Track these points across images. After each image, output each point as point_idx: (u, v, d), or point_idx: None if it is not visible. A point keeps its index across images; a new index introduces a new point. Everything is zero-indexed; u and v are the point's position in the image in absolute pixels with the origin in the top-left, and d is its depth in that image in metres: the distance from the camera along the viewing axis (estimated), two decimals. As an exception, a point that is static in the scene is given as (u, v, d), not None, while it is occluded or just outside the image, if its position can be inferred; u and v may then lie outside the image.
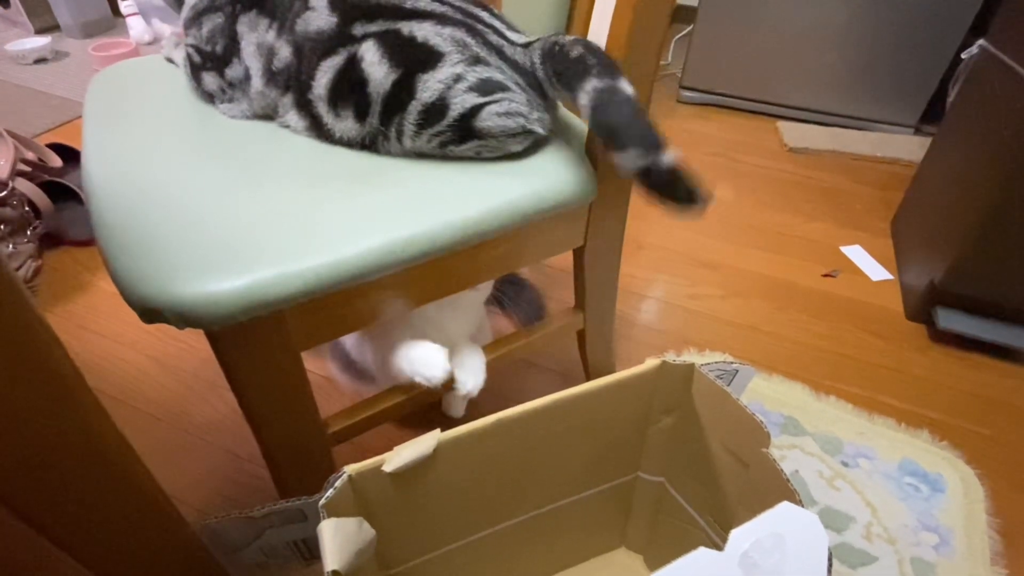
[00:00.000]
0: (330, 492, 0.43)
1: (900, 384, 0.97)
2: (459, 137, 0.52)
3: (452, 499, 0.52)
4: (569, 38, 0.52)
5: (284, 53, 0.54)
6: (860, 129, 1.71)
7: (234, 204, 0.47)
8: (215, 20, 0.58)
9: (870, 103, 1.68)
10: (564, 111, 0.68)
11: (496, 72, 0.51)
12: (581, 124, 0.65)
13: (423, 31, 0.50)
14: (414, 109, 0.51)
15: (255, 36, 0.56)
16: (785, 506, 0.37)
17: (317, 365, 0.95)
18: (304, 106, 0.55)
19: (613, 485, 0.63)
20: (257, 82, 0.57)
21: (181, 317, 0.41)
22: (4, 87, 1.73)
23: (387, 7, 0.52)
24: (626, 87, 0.48)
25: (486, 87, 0.51)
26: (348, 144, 0.55)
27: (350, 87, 0.52)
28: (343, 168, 0.53)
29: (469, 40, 0.51)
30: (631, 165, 0.46)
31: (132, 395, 0.93)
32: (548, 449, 0.54)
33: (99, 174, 0.51)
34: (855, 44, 1.60)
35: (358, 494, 0.45)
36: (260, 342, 0.46)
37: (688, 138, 1.69)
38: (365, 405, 0.63)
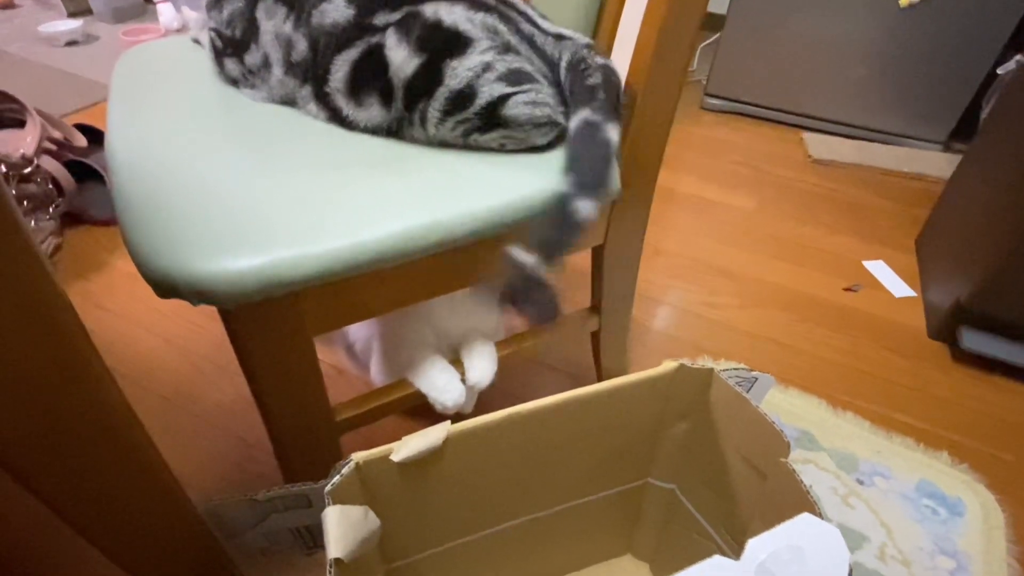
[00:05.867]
0: (336, 478, 0.42)
1: (920, 403, 0.95)
2: (485, 125, 0.51)
3: (458, 494, 0.51)
4: (598, 59, 0.52)
5: (301, 47, 0.54)
6: (887, 143, 1.68)
7: (255, 184, 0.47)
8: (235, 4, 0.58)
9: (898, 117, 1.65)
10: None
11: (526, 63, 0.51)
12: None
13: (452, 16, 0.49)
14: (441, 95, 0.50)
15: (272, 24, 0.55)
16: (805, 517, 0.35)
17: (326, 354, 0.94)
18: (322, 98, 0.55)
19: (622, 490, 0.61)
20: (277, 71, 0.57)
21: (197, 293, 0.40)
22: (36, 67, 1.75)
23: None
24: (611, 133, 0.50)
25: (515, 77, 0.50)
26: (373, 131, 0.55)
27: (372, 74, 0.51)
28: (364, 154, 0.52)
29: (501, 27, 0.50)
30: (567, 190, 0.49)
31: (144, 376, 0.93)
32: (558, 449, 0.53)
33: (123, 150, 0.51)
34: (885, 57, 1.58)
35: (364, 482, 0.44)
36: (274, 323, 0.46)
37: (712, 146, 1.67)
38: (374, 395, 0.62)
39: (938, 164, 1.59)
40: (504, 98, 0.50)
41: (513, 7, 0.53)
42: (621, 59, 0.56)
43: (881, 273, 1.22)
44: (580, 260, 0.70)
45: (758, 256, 1.25)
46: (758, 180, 1.52)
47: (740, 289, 1.16)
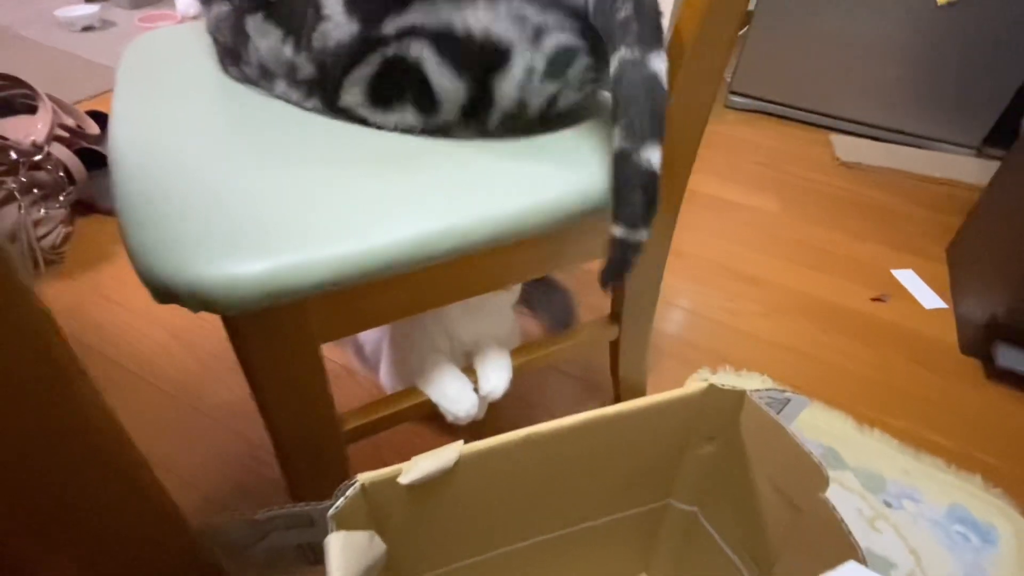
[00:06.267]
0: (340, 501, 0.39)
1: (951, 422, 0.91)
2: (541, 123, 0.51)
3: (469, 515, 0.48)
4: None
5: (307, 70, 0.50)
6: (917, 147, 1.63)
7: (262, 183, 0.44)
8: (221, 7, 0.54)
9: (930, 120, 1.60)
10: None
11: (558, 34, 0.46)
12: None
13: (479, 22, 0.45)
14: (496, 114, 0.49)
15: (266, 44, 0.51)
16: (852, 567, 0.32)
17: (337, 354, 0.92)
18: (335, 110, 0.51)
19: (641, 511, 0.58)
20: (280, 84, 0.53)
21: (197, 299, 0.38)
22: (51, 52, 1.74)
23: None
24: (655, 63, 0.43)
25: (556, 66, 0.47)
26: (403, 132, 0.52)
27: (398, 86, 0.48)
28: (378, 150, 0.49)
29: (527, 9, 0.45)
30: (623, 145, 0.44)
31: (150, 370, 0.91)
32: (576, 469, 0.50)
33: (125, 144, 0.48)
34: (919, 57, 1.52)
35: (370, 505, 0.42)
36: (278, 331, 0.43)
37: (735, 145, 1.62)
38: (383, 403, 0.59)
39: (971, 170, 1.53)
40: (553, 98, 0.49)
41: None
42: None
43: (910, 283, 1.17)
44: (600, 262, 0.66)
45: (781, 261, 1.21)
46: (783, 182, 1.48)
47: (763, 295, 1.12)
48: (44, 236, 1.05)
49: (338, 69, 0.48)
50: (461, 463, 0.44)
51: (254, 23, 0.50)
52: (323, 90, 0.50)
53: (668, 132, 0.53)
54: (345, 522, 0.40)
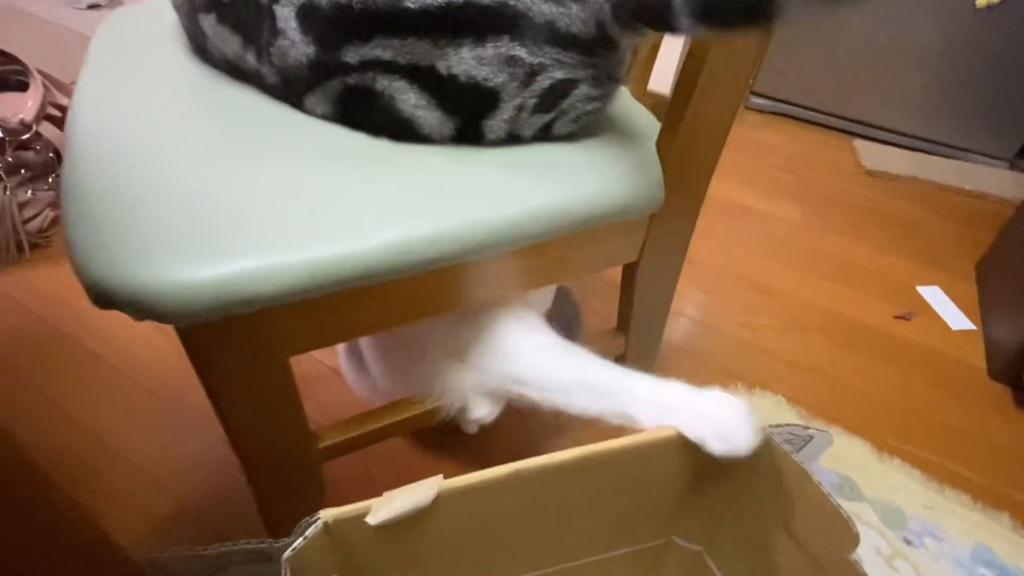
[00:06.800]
0: (299, 542, 0.35)
1: (978, 453, 0.85)
2: (544, 138, 0.47)
3: (449, 556, 0.43)
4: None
5: (272, 79, 0.45)
6: (947, 157, 1.55)
7: (226, 178, 0.39)
8: None
9: (961, 130, 1.52)
10: (633, 101, 0.58)
11: (555, 71, 0.42)
12: (651, 117, 0.55)
13: (462, 65, 0.40)
14: (485, 141, 0.45)
15: (230, 51, 0.46)
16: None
17: (325, 354, 0.87)
18: (307, 112, 0.47)
19: (641, 548, 0.53)
20: (249, 83, 0.48)
21: (138, 307, 0.33)
22: (55, 29, 1.70)
23: (380, 12, 0.38)
24: None
25: (549, 100, 0.43)
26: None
27: (367, 113, 0.44)
28: (362, 145, 0.44)
29: (518, 50, 0.40)
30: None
31: (133, 365, 0.87)
32: (570, 506, 0.45)
33: (83, 126, 0.43)
34: (952, 63, 1.44)
35: (335, 545, 0.37)
36: (239, 343, 0.38)
37: (754, 148, 1.56)
38: (363, 419, 0.54)
39: (1004, 183, 1.46)
40: (548, 125, 0.46)
41: None
42: (674, 45, 0.47)
43: (937, 300, 1.11)
44: (610, 271, 0.61)
45: (800, 273, 1.15)
46: (803, 189, 1.41)
47: (779, 309, 1.06)
48: (30, 219, 1.01)
49: (301, 86, 0.44)
50: (441, 500, 0.39)
51: (208, 23, 0.46)
52: (291, 99, 0.46)
53: (690, 129, 0.47)
54: (304, 565, 0.35)
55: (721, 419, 0.42)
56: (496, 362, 0.51)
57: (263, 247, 0.35)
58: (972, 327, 1.05)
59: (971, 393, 0.94)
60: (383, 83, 0.41)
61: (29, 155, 1.00)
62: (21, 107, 1.00)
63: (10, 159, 0.98)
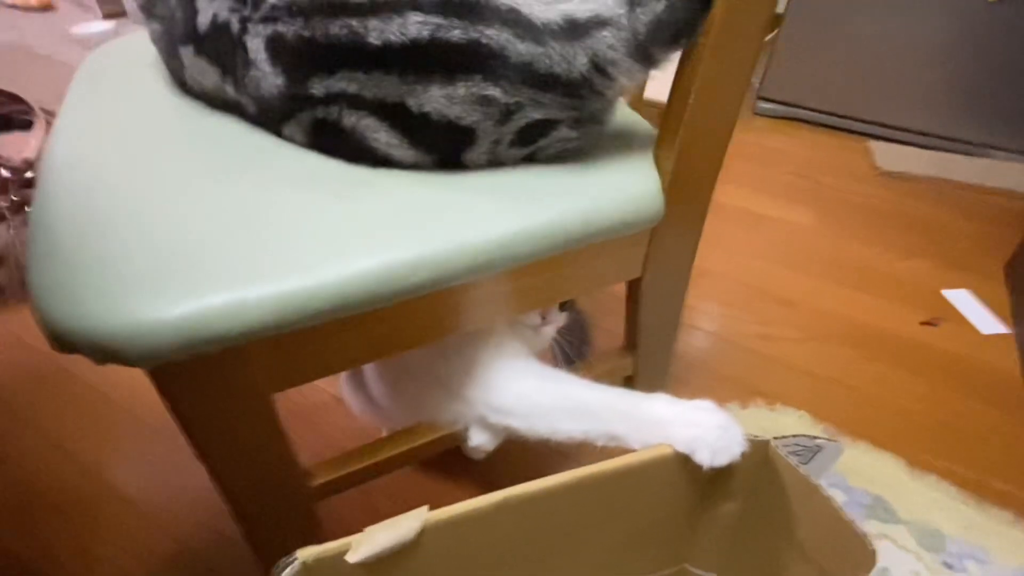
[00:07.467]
0: (275, 592, 0.32)
1: (1019, 466, 0.79)
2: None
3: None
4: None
5: (252, 109, 0.45)
6: (966, 154, 1.50)
7: (197, 209, 0.37)
8: (153, 25, 0.49)
9: (979, 126, 1.47)
10: (629, 111, 0.55)
11: (532, 111, 0.40)
12: (648, 127, 0.53)
13: (432, 103, 0.38)
14: (467, 167, 0.44)
15: (208, 81, 0.46)
16: None
17: (328, 382, 0.85)
18: (289, 141, 0.46)
19: (655, 580, 0.50)
20: (229, 112, 0.48)
21: (97, 350, 0.31)
22: (64, 68, 1.73)
23: (342, 46, 0.37)
24: None
25: (527, 137, 0.42)
26: None
27: (339, 144, 0.43)
28: (341, 170, 0.42)
29: (492, 89, 0.38)
30: None
31: (136, 401, 0.86)
32: (566, 534, 0.42)
33: (56, 159, 0.42)
34: (967, 58, 1.40)
35: (316, 592, 0.34)
36: (211, 382, 0.36)
37: (764, 155, 1.52)
38: (362, 453, 0.52)
39: (1028, 179, 1.40)
40: (530, 156, 0.44)
41: (487, 15, 0.38)
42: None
43: (964, 304, 1.06)
44: (619, 286, 0.58)
45: (818, 281, 1.11)
46: (817, 194, 1.37)
47: (798, 319, 1.02)
48: None
49: (276, 116, 0.43)
50: (426, 533, 0.36)
51: (187, 55, 0.46)
52: (271, 127, 0.45)
53: (688, 138, 0.45)
54: (282, 617, 0.32)
55: (707, 426, 0.41)
56: (477, 392, 0.49)
57: (232, 281, 0.33)
58: (1004, 331, 1.00)
59: (1006, 400, 0.88)
60: (351, 119, 0.40)
61: (30, 193, 1.01)
62: (25, 146, 1.01)
63: (14, 198, 0.98)
